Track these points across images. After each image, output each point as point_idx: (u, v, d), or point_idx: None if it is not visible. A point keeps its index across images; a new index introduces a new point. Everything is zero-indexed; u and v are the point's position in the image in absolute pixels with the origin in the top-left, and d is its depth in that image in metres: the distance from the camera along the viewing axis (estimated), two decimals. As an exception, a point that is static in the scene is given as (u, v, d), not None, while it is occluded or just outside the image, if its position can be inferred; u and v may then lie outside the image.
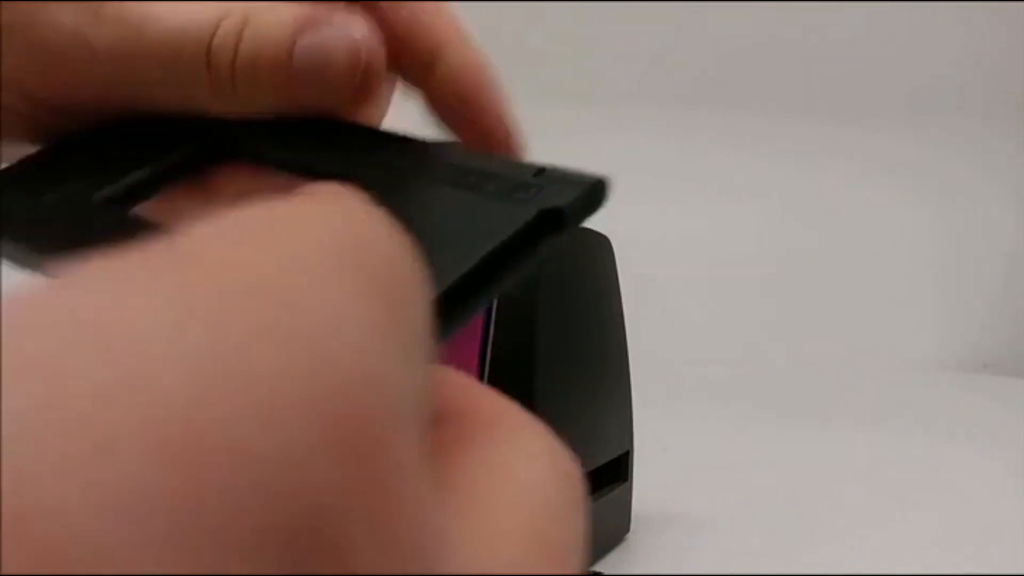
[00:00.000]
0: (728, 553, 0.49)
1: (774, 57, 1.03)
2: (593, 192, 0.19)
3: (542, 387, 0.41)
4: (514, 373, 0.41)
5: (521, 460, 0.14)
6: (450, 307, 0.17)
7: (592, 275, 0.47)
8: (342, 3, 0.22)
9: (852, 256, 1.02)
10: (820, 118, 1.02)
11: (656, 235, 0.97)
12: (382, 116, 0.25)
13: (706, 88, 1.03)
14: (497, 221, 0.18)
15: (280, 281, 0.10)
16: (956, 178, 1.02)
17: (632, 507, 0.51)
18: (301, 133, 0.23)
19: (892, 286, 1.01)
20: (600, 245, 0.48)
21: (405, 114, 0.24)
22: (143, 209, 0.22)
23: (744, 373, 0.88)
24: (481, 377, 0.41)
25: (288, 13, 0.21)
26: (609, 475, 0.49)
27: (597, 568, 0.47)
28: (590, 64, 1.02)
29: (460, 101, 0.23)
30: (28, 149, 0.24)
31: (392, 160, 0.21)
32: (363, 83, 0.22)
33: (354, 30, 0.22)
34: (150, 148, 0.23)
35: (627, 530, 0.51)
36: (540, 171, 0.19)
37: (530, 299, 0.42)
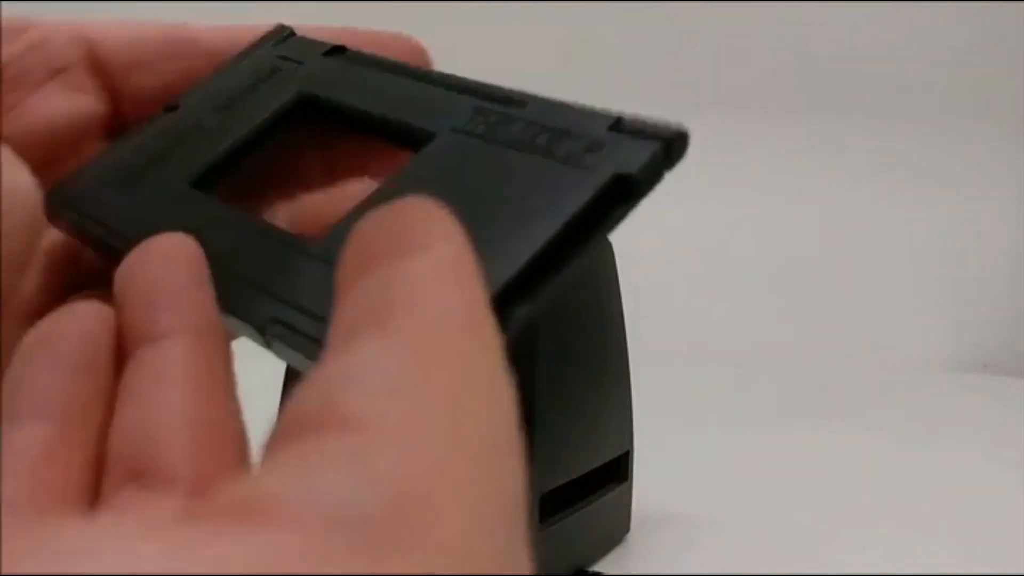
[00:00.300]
0: (728, 554, 0.49)
1: (775, 57, 1.02)
2: (668, 150, 0.18)
3: (542, 387, 0.41)
4: (514, 373, 0.41)
5: None
6: (517, 292, 0.17)
7: (592, 274, 0.47)
8: None
9: (852, 256, 1.02)
10: (820, 118, 1.02)
11: (657, 234, 0.97)
12: None
13: (707, 87, 1.03)
14: (565, 192, 0.17)
15: None
16: (956, 178, 1.01)
17: (632, 507, 0.51)
18: (375, 84, 0.23)
19: (892, 286, 1.01)
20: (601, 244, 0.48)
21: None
22: (236, 190, 0.22)
23: (744, 373, 0.88)
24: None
25: None
26: (609, 475, 0.48)
27: (597, 568, 0.47)
28: (590, 62, 1.02)
29: None
30: None
31: (465, 120, 0.20)
32: None
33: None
34: (227, 121, 0.23)
35: (627, 530, 0.51)
36: (617, 123, 0.18)
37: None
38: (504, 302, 0.16)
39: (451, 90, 0.22)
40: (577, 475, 0.44)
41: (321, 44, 0.24)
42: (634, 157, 0.17)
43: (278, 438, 0.12)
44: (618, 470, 0.49)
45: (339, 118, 0.23)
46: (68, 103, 0.23)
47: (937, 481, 0.60)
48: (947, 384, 0.90)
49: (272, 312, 0.18)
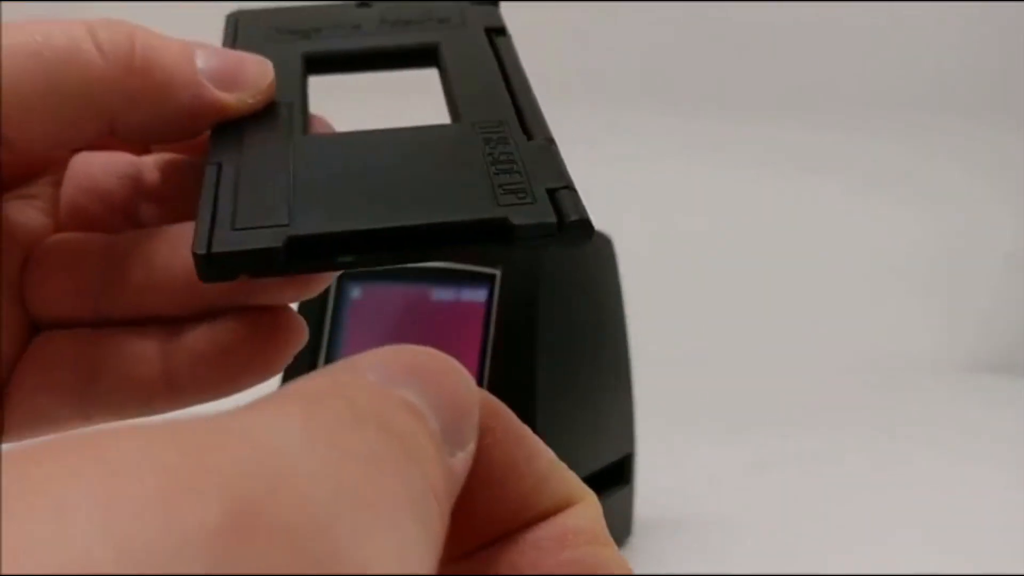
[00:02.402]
0: (732, 557, 0.49)
1: (776, 60, 1.02)
2: (560, 227, 0.18)
3: (543, 388, 0.41)
4: (515, 374, 0.41)
5: None
6: (313, 249, 0.18)
7: (594, 274, 0.47)
8: None
9: (852, 257, 1.02)
10: (819, 120, 1.02)
11: (659, 234, 0.96)
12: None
13: (708, 89, 1.03)
14: (457, 204, 0.19)
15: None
16: (954, 179, 1.01)
17: (634, 511, 0.51)
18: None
19: (891, 286, 1.01)
20: (602, 244, 0.47)
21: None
22: None
23: (747, 374, 0.87)
24: (481, 378, 0.40)
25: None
26: (611, 478, 0.48)
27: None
28: (592, 63, 1.02)
29: None
30: None
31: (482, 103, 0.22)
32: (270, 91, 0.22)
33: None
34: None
35: (629, 534, 0.50)
36: (563, 188, 0.19)
37: (530, 299, 0.41)
38: (294, 252, 0.18)
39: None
40: (579, 478, 0.44)
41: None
42: (529, 215, 0.18)
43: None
44: (620, 473, 0.49)
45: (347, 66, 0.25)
46: None
47: (937, 481, 0.60)
48: (947, 384, 0.90)
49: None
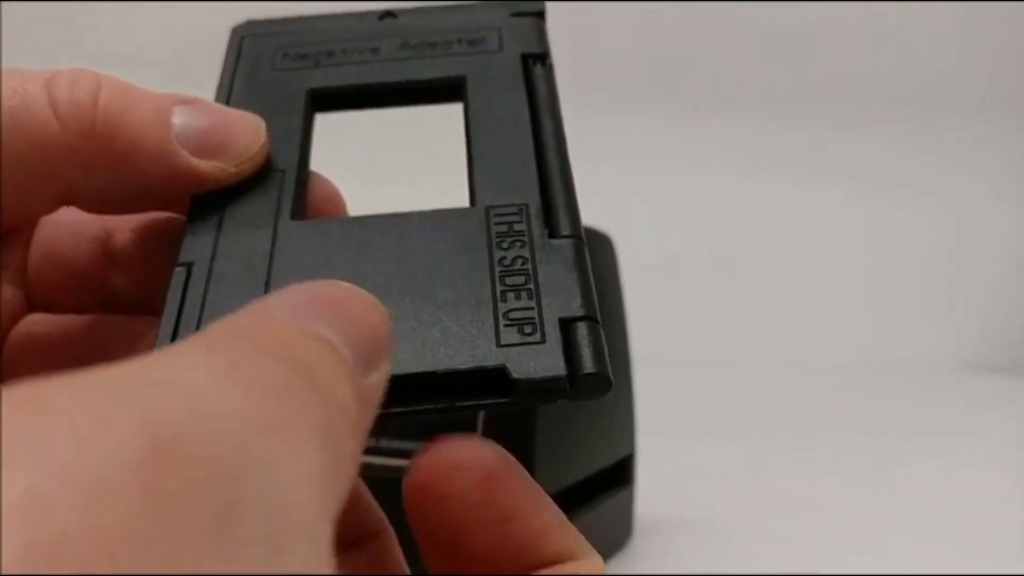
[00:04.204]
0: (732, 559, 0.49)
1: (776, 60, 1.02)
2: (572, 381, 0.16)
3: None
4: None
5: None
6: None
7: (594, 274, 0.47)
8: None
9: (853, 257, 1.02)
10: (819, 120, 1.02)
11: (660, 234, 0.96)
12: None
13: (709, 89, 1.02)
14: (453, 346, 0.16)
15: None
16: (954, 179, 1.01)
17: (635, 511, 0.51)
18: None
19: (891, 286, 1.01)
20: (602, 244, 0.47)
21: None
22: None
23: (747, 375, 0.87)
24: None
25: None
26: (612, 479, 0.48)
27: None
28: (593, 63, 1.02)
29: None
30: None
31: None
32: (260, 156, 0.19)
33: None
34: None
35: (630, 534, 0.50)
36: (581, 319, 0.16)
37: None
38: None
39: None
40: (579, 479, 0.44)
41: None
42: (534, 363, 0.16)
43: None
44: (621, 474, 0.49)
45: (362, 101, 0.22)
46: None
47: (937, 481, 0.60)
48: (947, 384, 0.90)
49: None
